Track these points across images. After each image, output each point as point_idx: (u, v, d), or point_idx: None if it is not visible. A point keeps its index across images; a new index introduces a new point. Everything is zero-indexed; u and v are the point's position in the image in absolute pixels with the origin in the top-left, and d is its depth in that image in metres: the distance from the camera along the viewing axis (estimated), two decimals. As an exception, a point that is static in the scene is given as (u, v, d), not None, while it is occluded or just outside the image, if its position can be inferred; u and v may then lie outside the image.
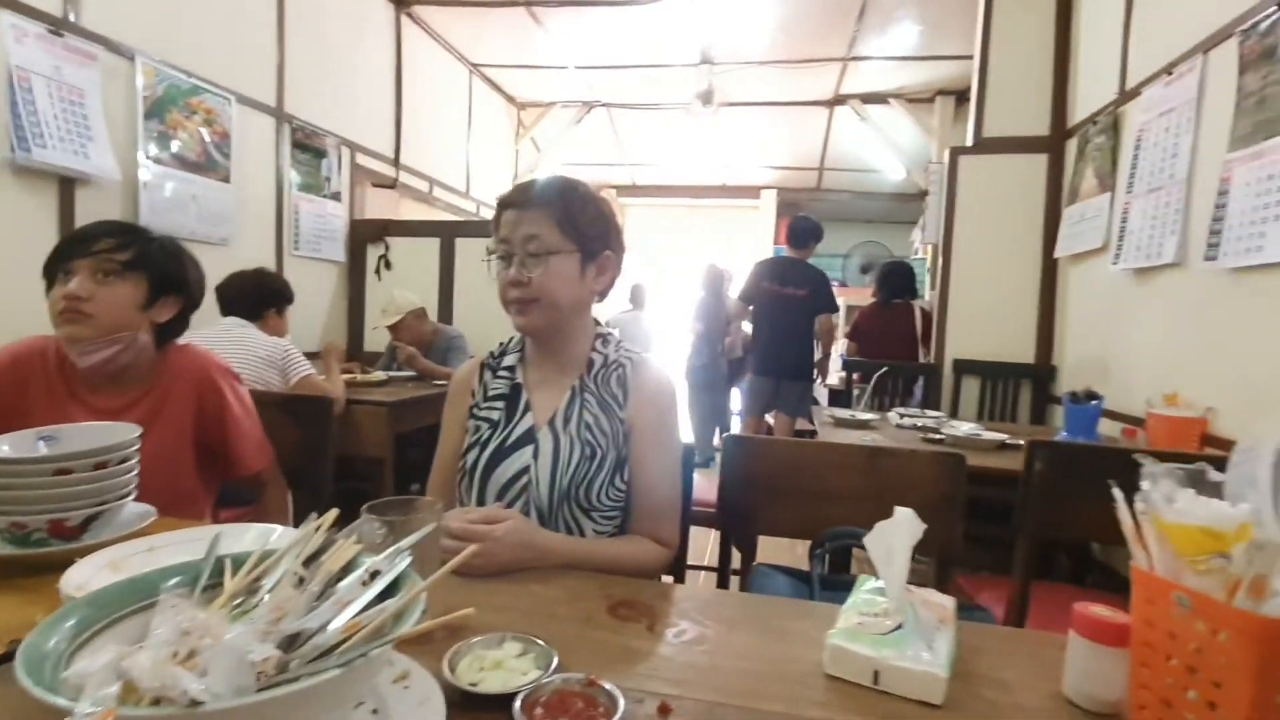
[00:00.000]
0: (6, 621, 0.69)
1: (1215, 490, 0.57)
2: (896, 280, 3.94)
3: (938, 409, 3.13)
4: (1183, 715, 0.55)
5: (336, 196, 3.73)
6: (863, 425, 2.44)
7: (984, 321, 3.31)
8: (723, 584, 1.40)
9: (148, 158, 2.60)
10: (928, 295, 4.45)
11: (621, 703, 0.57)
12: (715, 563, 1.50)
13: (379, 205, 4.26)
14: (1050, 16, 3.09)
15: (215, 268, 2.37)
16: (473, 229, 3.91)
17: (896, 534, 0.70)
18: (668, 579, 1.17)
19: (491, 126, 5.79)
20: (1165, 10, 2.39)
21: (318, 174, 3.60)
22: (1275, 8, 1.79)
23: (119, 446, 0.87)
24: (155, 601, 0.50)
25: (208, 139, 2.87)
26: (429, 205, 4.87)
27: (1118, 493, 0.62)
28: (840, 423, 2.47)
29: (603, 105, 5.94)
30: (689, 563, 1.31)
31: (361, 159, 3.96)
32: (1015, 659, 0.72)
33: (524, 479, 1.03)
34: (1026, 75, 3.16)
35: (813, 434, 2.72)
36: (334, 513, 0.62)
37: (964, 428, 2.32)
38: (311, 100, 3.47)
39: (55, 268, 1.16)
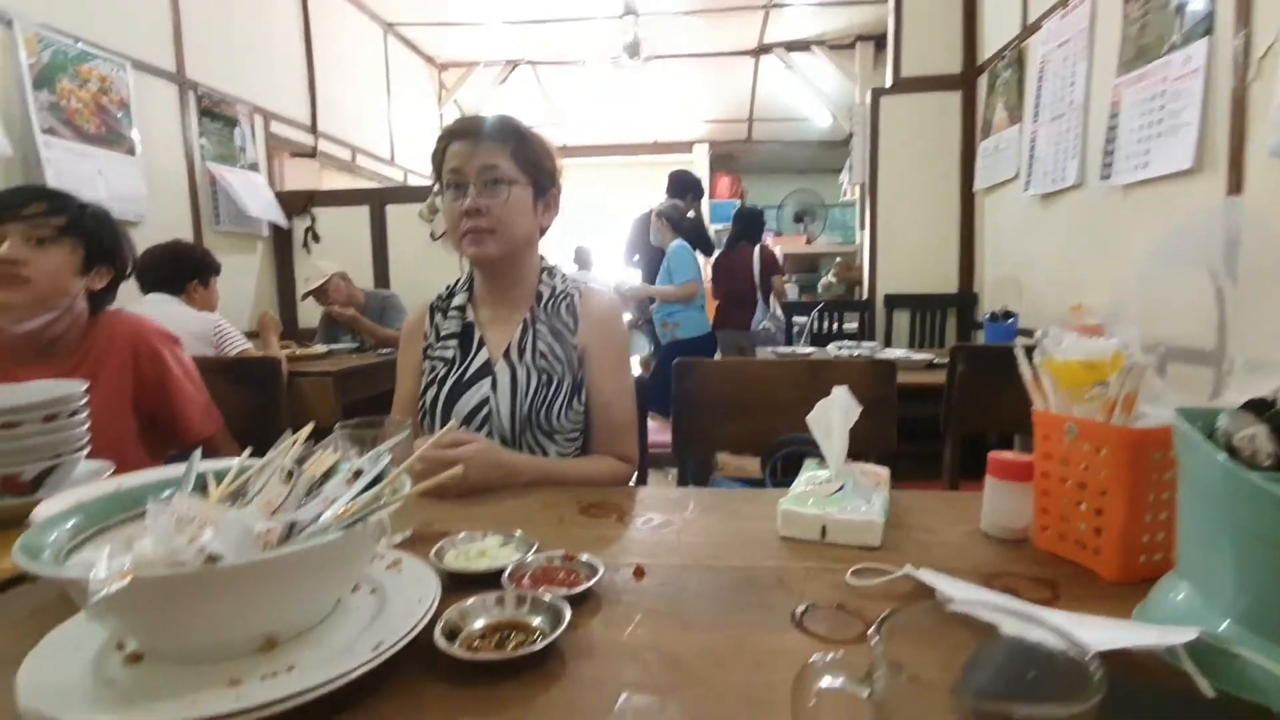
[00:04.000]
0: (-24, 569, 0.69)
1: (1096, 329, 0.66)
2: (739, 226, 4.21)
3: (872, 340, 3.29)
4: (1076, 527, 0.65)
5: (254, 167, 3.56)
6: (805, 358, 2.56)
7: (911, 257, 3.48)
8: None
9: (43, 131, 2.42)
10: (858, 236, 4.64)
11: (601, 568, 0.63)
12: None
13: (300, 177, 4.08)
14: (957, -45, 3.20)
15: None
16: (403, 195, 3.81)
17: (834, 409, 0.78)
18: (630, 497, 1.23)
19: (412, 90, 5.57)
20: (1060, -57, 2.52)
21: (231, 143, 3.41)
22: (1152, -62, 1.93)
23: (68, 399, 0.86)
24: (143, 511, 0.53)
25: (107, 108, 2.69)
26: (353, 174, 4.69)
27: (1019, 350, 0.71)
28: (784, 358, 2.58)
29: (528, 63, 5.80)
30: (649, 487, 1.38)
31: (276, 127, 3.78)
32: (941, 512, 0.82)
33: (485, 409, 1.07)
34: (938, 17, 3.28)
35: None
36: (310, 426, 0.65)
37: (896, 353, 2.46)
38: (216, 65, 3.27)
39: None
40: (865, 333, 3.51)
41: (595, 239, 6.31)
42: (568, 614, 0.53)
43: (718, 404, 1.34)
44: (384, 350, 3.02)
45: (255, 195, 3.47)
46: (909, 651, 0.29)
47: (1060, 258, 2.53)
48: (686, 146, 7.28)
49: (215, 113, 3.29)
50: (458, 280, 1.20)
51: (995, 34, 3.07)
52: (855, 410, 0.80)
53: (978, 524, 0.75)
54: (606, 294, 1.16)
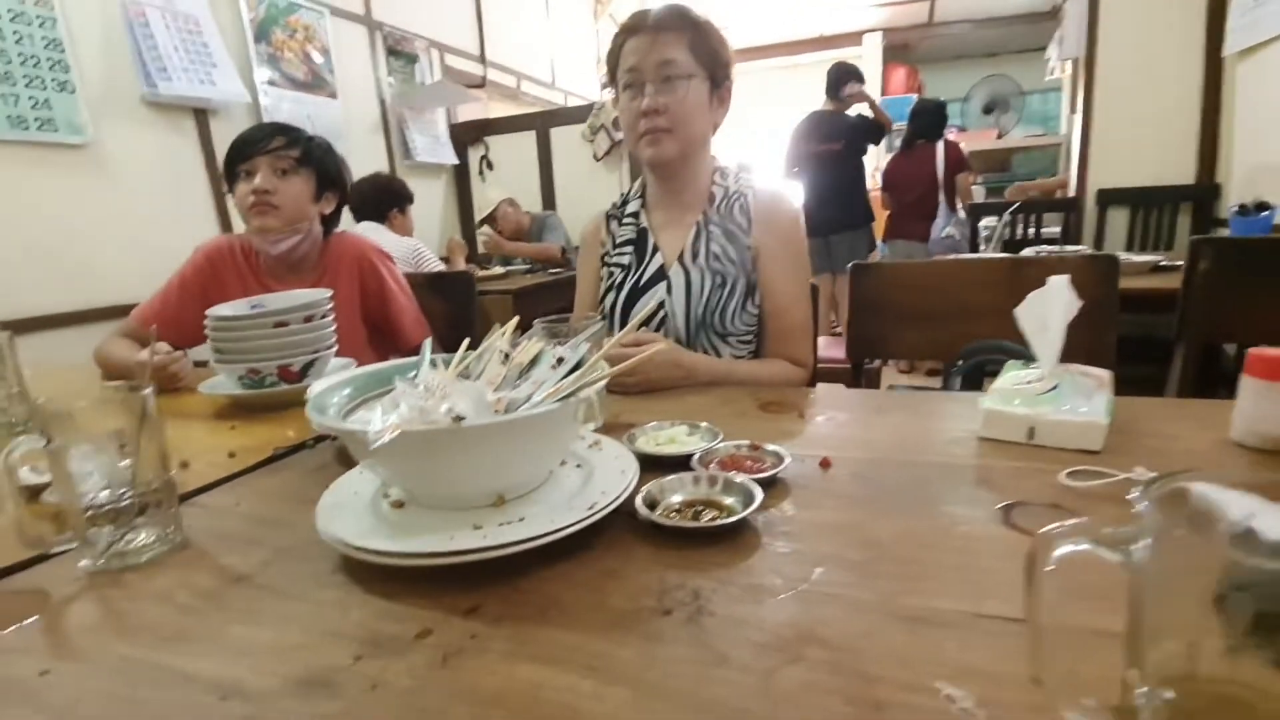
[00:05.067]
0: (267, 437, 0.86)
1: None
2: (919, 121, 3.74)
3: (1079, 245, 2.88)
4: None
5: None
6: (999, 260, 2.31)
7: (1135, 143, 2.94)
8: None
9: (264, 82, 2.76)
10: (1065, 125, 3.99)
11: (787, 456, 0.63)
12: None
13: (472, 108, 4.31)
14: None
15: None
16: (565, 116, 3.89)
17: (1052, 300, 0.70)
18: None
19: (570, 9, 5.56)
20: None
21: (413, 81, 3.67)
22: None
23: (319, 303, 1.01)
24: (392, 388, 0.61)
25: (312, 56, 2.99)
26: (517, 102, 4.85)
27: None
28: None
29: (681, -36, 5.50)
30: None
31: (450, 59, 3.98)
32: (1178, 419, 0.72)
33: (661, 312, 1.09)
34: None
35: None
36: (516, 319, 0.71)
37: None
38: (397, 3, 3.49)
39: (234, 168, 1.30)
40: (1070, 237, 3.07)
41: (757, 152, 6.04)
42: (759, 494, 0.54)
43: (900, 310, 1.26)
44: (553, 270, 3.19)
45: (431, 134, 3.74)
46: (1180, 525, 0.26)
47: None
48: (856, 39, 6.59)
49: (399, 51, 3.53)
50: (630, 187, 1.22)
51: None
52: (1076, 304, 0.71)
53: (1227, 433, 0.65)
54: (781, 193, 1.12)
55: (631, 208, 1.19)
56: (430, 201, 3.88)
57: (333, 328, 1.06)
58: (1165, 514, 0.26)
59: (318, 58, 3.03)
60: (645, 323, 1.10)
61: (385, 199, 2.60)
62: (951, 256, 2.47)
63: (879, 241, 3.93)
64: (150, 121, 2.35)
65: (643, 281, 1.12)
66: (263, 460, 0.79)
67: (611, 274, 1.16)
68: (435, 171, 3.89)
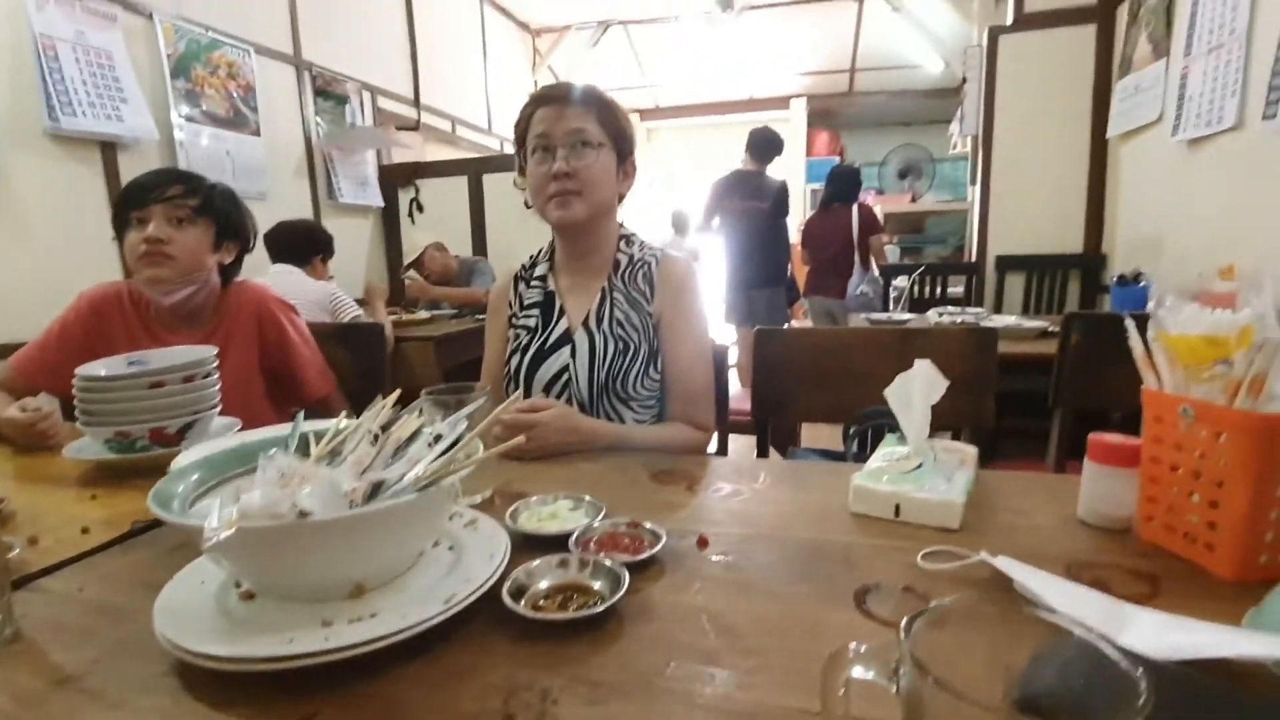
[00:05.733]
0: (129, 509, 0.81)
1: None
2: (835, 185, 4.00)
3: (979, 307, 3.08)
4: (1186, 519, 0.59)
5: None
6: (900, 325, 2.43)
7: (1028, 214, 3.19)
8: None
9: (180, 116, 2.67)
10: (969, 192, 4.30)
11: (664, 535, 0.64)
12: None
13: (404, 150, 4.29)
14: None
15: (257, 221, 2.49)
16: (498, 164, 3.91)
17: (915, 383, 0.74)
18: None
19: (507, 58, 5.66)
20: None
21: (342, 121, 3.63)
22: None
23: (202, 362, 0.96)
24: (255, 467, 0.59)
25: (234, 93, 2.92)
26: (453, 146, 4.86)
27: (1129, 322, 0.64)
28: (876, 324, 2.46)
29: (620, 23, 5.72)
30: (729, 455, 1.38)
31: (383, 102, 3.97)
32: (1033, 494, 0.76)
33: (565, 376, 1.10)
34: (1071, -62, 2.93)
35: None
36: (397, 392, 0.70)
37: (1006, 320, 2.29)
38: (328, 46, 3.47)
39: (126, 215, 1.24)
40: (972, 298, 3.28)
41: (690, 203, 6.22)
42: (626, 579, 0.55)
43: (800, 374, 1.31)
44: (479, 315, 3.16)
45: (358, 176, 3.69)
46: (949, 647, 0.28)
47: (1209, 212, 2.24)
48: (783, 102, 6.97)
49: (328, 92, 3.50)
50: (540, 250, 1.23)
51: (1141, -44, 2.70)
52: (939, 385, 0.75)
53: (1075, 509, 0.70)
54: (683, 260, 1.15)
55: (539, 270, 1.20)
56: (356, 243, 3.80)
57: (216, 387, 1.01)
58: (923, 645, 0.28)
59: (241, 94, 2.96)
60: (549, 386, 1.10)
61: (307, 245, 2.53)
62: (862, 316, 2.59)
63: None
64: (53, 154, 2.24)
65: (548, 345, 1.12)
66: (117, 537, 0.73)
67: (518, 336, 1.16)
68: (362, 212, 3.83)
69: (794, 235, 4.09)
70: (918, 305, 3.27)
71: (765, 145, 3.81)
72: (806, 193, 7.00)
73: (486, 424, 0.64)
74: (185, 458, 0.64)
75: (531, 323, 1.16)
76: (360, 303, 2.64)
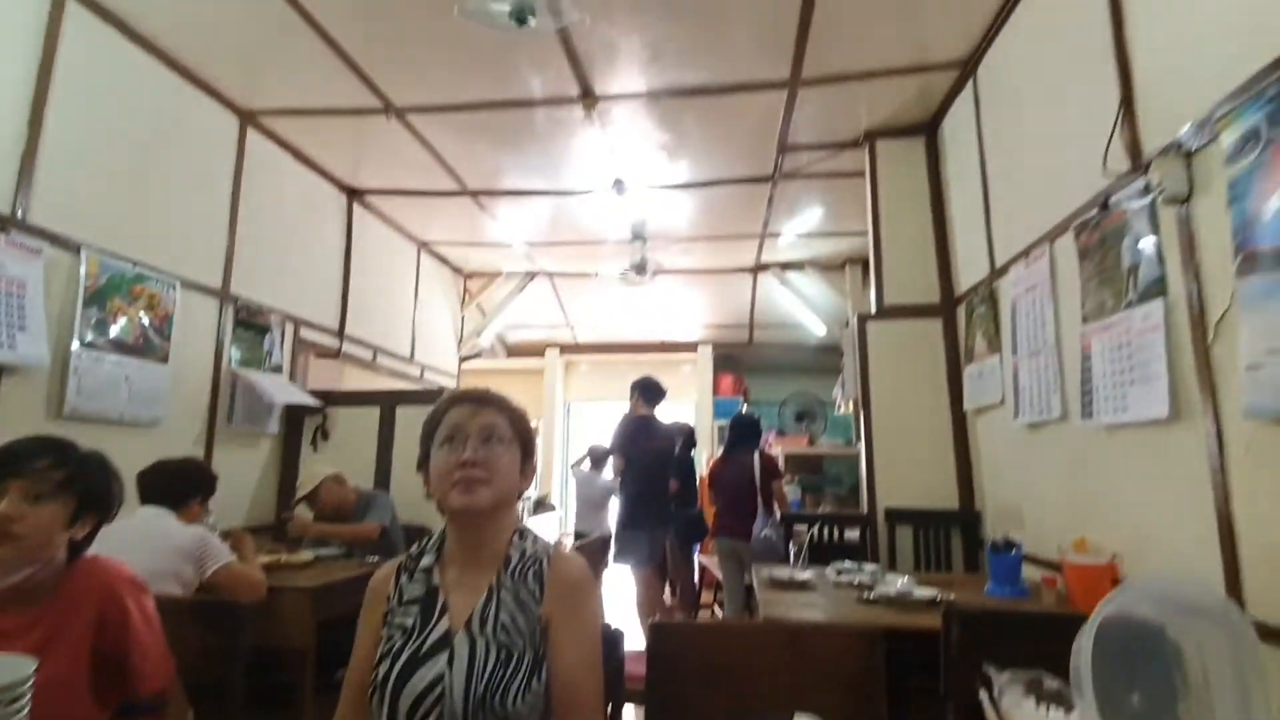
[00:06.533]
0: None
1: (1056, 695, 0.64)
2: (737, 432, 4.31)
3: (875, 559, 3.19)
4: None
5: (278, 369, 3.77)
6: (800, 586, 2.46)
7: (909, 473, 3.47)
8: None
9: (83, 344, 2.62)
10: (860, 445, 4.68)
11: None
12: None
13: (321, 375, 4.30)
14: (926, 206, 3.60)
15: (140, 453, 2.34)
16: (413, 398, 3.97)
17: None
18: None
19: (438, 295, 6.05)
20: (1015, 205, 2.84)
21: (260, 349, 3.65)
22: (1096, 210, 2.16)
23: (11, 686, 0.83)
24: None
25: (147, 323, 2.92)
26: (373, 371, 4.93)
27: (985, 698, 0.69)
28: (776, 583, 2.48)
29: (545, 275, 6.34)
30: (621, 763, 1.26)
31: (306, 332, 4.05)
32: None
33: (438, 689, 1.01)
34: (914, 253, 3.61)
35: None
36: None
37: (897, 584, 2.35)
38: (259, 280, 3.61)
39: None
40: (867, 548, 3.40)
41: (605, 436, 6.43)
42: None
43: (693, 671, 1.27)
44: (369, 558, 2.96)
45: (279, 387, 3.64)
46: None
47: (1056, 487, 2.51)
48: (692, 347, 7.66)
49: (250, 322, 3.56)
50: (428, 539, 1.21)
51: (968, 271, 3.34)
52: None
53: None
54: (577, 561, 1.16)
55: (425, 561, 1.16)
56: (248, 471, 3.60)
57: (24, 712, 0.86)
58: None
59: (156, 324, 2.97)
60: (418, 701, 1.01)
61: (184, 488, 2.34)
62: (765, 572, 2.61)
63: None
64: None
65: (423, 650, 1.05)
66: None
67: (391, 638, 1.08)
68: (258, 439, 3.68)
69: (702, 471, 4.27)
70: (817, 551, 3.35)
71: (652, 392, 4.22)
72: (714, 429, 7.41)
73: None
74: None
75: (409, 622, 1.09)
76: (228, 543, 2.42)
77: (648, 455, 4.02)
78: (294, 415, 3.86)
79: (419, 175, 4.23)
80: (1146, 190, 1.88)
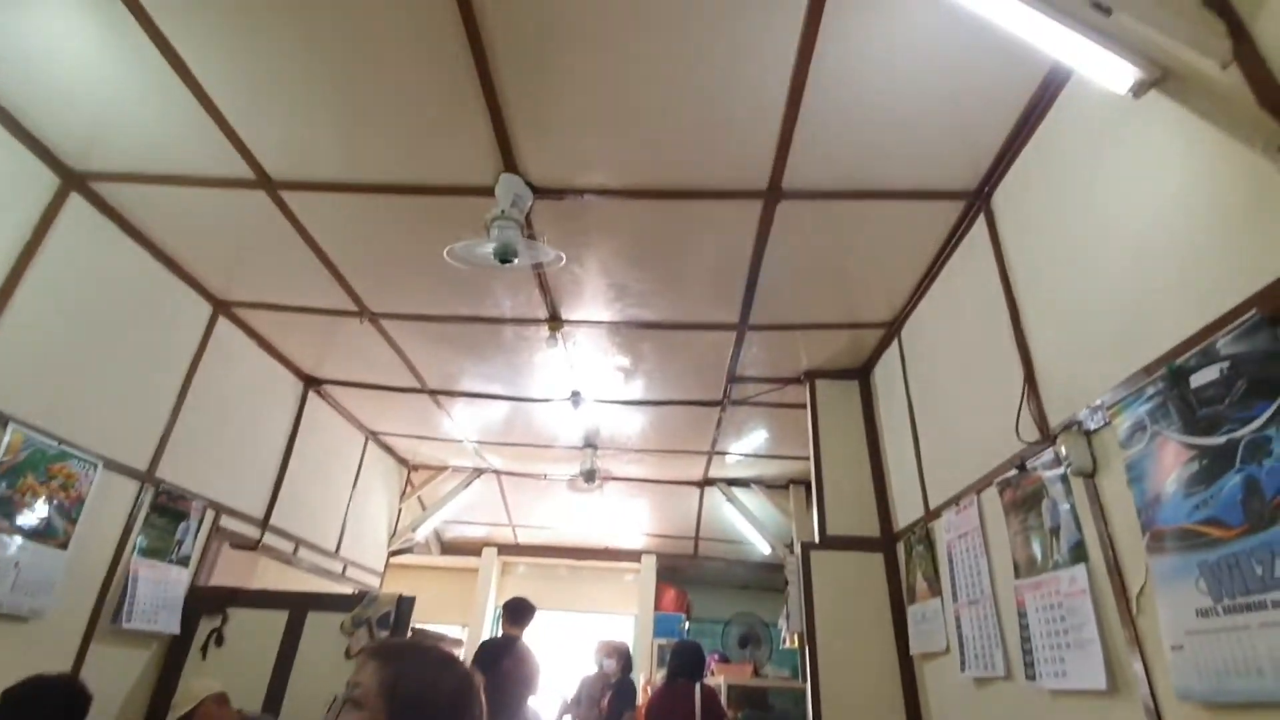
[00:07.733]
0: None
1: None
2: (678, 660, 4.12)
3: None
4: None
5: (184, 561, 3.45)
6: None
7: (859, 719, 3.25)
8: None
9: (-23, 530, 2.39)
10: (807, 684, 4.41)
11: None
12: None
13: (234, 569, 3.96)
14: (863, 443, 3.82)
15: (6, 653, 2.01)
16: (328, 602, 3.64)
17: None
18: None
19: (379, 485, 5.84)
20: (943, 453, 3.03)
21: (170, 537, 3.37)
22: (1015, 470, 2.31)
23: None
24: None
25: (58, 504, 2.71)
26: (292, 565, 4.56)
27: None
28: None
29: (493, 472, 6.26)
30: None
31: (226, 520, 3.79)
32: None
33: None
34: (854, 486, 3.73)
35: None
36: None
37: None
38: (189, 465, 3.44)
39: None
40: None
41: (539, 638, 5.91)
42: None
43: None
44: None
45: (162, 595, 3.29)
46: None
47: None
48: (635, 555, 7.42)
49: (167, 508, 3.33)
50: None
51: (904, 508, 3.43)
52: None
53: None
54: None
55: None
56: (121, 683, 3.12)
57: None
58: None
59: (67, 506, 2.75)
60: None
61: (60, 711, 2.01)
62: None
63: None
64: None
65: None
66: None
67: None
68: (148, 641, 3.26)
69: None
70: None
71: (519, 613, 4.24)
72: (654, 647, 6.90)
73: None
74: None
75: None
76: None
77: (506, 679, 3.79)
78: (191, 615, 3.45)
79: (381, 372, 4.32)
80: (1057, 460, 2.05)
